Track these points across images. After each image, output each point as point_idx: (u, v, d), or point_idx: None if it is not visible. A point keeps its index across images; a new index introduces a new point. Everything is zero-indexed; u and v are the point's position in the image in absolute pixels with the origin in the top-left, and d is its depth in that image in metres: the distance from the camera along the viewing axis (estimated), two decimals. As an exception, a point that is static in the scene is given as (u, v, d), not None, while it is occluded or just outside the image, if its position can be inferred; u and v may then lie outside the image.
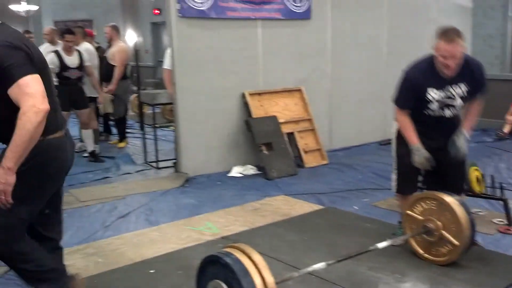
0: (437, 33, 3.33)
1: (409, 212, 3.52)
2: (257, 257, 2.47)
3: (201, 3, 5.56)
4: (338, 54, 6.84)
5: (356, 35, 6.99)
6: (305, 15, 6.39)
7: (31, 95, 2.15)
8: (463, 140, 3.50)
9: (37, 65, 2.31)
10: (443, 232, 3.32)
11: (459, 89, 3.45)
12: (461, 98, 3.47)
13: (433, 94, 3.43)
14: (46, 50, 7.28)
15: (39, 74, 2.26)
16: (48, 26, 15.21)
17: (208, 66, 5.77)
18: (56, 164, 2.49)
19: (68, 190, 5.45)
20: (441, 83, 3.41)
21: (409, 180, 3.66)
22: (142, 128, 8.76)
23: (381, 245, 3.21)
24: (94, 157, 6.64)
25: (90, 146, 6.65)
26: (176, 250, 3.79)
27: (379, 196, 5.07)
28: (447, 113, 3.50)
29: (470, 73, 3.43)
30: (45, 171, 2.43)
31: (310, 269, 2.86)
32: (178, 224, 4.39)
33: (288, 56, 6.38)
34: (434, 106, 3.47)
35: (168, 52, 5.99)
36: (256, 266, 2.43)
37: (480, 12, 8.30)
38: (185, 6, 5.43)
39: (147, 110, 8.83)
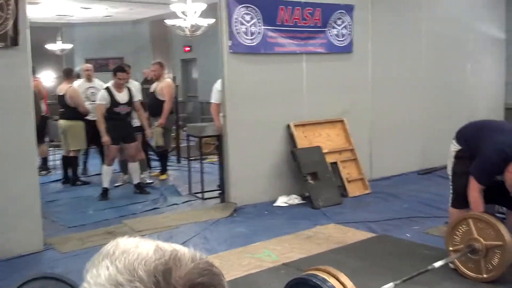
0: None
1: (450, 247, 3.73)
2: (344, 278, 2.58)
3: (251, 39, 5.80)
4: (378, 86, 7.02)
5: (395, 67, 7.18)
6: (347, 49, 6.61)
7: None
8: None
9: None
10: (486, 242, 3.50)
11: None
12: None
13: None
14: (84, 87, 7.63)
15: None
16: (80, 64, 15.80)
17: (256, 99, 5.97)
18: None
19: (122, 220, 5.64)
20: None
21: (463, 197, 3.81)
22: (179, 161, 9.01)
23: (438, 264, 3.43)
24: (139, 189, 6.80)
25: (136, 179, 6.82)
26: (241, 277, 3.90)
27: (429, 223, 5.14)
28: None
29: None
30: None
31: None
32: (236, 252, 4.51)
33: (331, 88, 6.57)
34: None
35: (215, 86, 6.20)
36: (344, 286, 2.54)
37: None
38: (236, 43, 5.68)
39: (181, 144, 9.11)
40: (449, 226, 3.80)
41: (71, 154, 7.49)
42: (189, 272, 0.65)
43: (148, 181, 7.31)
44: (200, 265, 0.67)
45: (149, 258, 0.65)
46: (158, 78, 7.61)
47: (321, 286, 2.51)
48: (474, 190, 3.65)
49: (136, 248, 0.67)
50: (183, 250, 0.69)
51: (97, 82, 7.78)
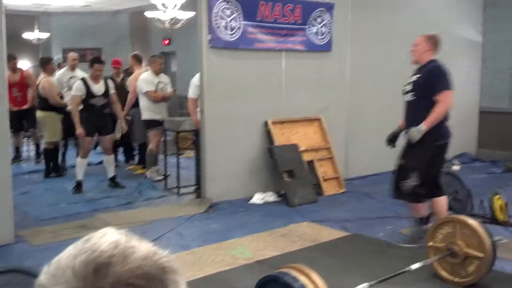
0: None
1: (431, 242, 3.74)
2: (316, 277, 2.59)
3: (231, 34, 5.77)
4: (356, 85, 7.05)
5: (373, 68, 7.22)
6: (326, 47, 6.63)
7: None
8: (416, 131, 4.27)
9: None
10: (467, 249, 3.51)
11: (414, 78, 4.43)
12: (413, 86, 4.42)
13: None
14: (67, 76, 7.49)
15: None
16: (57, 54, 15.53)
17: (234, 94, 5.95)
18: None
19: (95, 214, 5.57)
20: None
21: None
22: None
23: (414, 266, 3.43)
24: (114, 183, 6.72)
25: (111, 172, 6.73)
26: (214, 273, 3.89)
27: (403, 223, 5.18)
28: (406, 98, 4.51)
29: (426, 71, 4.41)
30: None
31: (356, 290, 2.98)
32: (210, 248, 4.49)
33: (309, 86, 6.58)
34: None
35: (193, 81, 6.16)
36: (315, 284, 2.55)
37: (489, 47, 8.57)
38: (215, 37, 5.65)
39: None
40: (435, 223, 3.80)
41: (50, 146, 7.33)
42: (126, 270, 0.61)
43: (157, 178, 7.06)
44: (146, 267, 0.62)
45: (98, 248, 0.63)
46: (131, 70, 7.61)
47: (292, 284, 2.51)
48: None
49: (99, 238, 0.65)
50: (143, 248, 0.65)
51: (79, 72, 7.56)
